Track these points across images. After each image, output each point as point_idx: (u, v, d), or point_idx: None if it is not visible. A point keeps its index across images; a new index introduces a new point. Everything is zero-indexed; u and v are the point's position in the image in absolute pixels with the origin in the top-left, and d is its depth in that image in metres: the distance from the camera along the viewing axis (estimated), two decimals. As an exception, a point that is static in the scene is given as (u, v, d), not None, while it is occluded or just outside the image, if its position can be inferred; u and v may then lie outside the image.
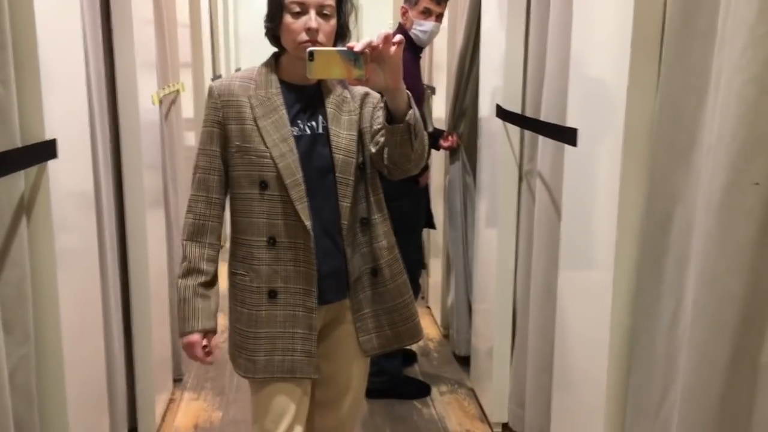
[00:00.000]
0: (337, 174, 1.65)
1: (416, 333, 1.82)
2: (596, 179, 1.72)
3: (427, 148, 1.65)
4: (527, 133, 2.54)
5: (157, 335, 2.81)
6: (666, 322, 1.52)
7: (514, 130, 2.59)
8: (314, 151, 1.66)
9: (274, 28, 1.64)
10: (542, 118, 2.27)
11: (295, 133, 1.64)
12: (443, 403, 3.13)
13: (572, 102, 1.87)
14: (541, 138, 2.33)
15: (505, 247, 2.68)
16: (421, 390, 3.21)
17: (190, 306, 1.67)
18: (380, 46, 1.43)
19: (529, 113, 2.46)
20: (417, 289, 3.35)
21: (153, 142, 2.78)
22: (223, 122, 1.65)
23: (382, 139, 1.62)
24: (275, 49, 1.70)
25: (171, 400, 3.12)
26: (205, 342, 1.69)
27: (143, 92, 2.57)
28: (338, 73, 1.44)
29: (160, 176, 2.93)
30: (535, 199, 2.43)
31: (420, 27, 2.97)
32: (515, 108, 2.55)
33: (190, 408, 3.08)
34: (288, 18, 1.59)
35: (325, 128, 1.66)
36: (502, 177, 2.63)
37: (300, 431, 1.73)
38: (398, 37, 1.44)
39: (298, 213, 1.62)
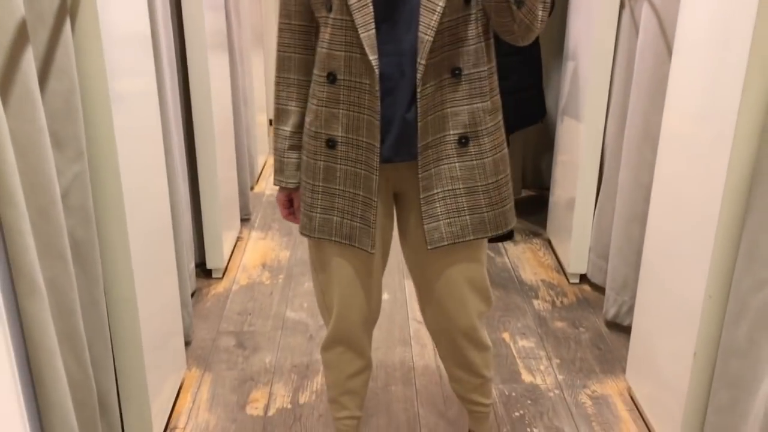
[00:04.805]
0: None
1: (507, 220, 1.45)
2: (725, 7, 1.44)
3: (540, 15, 1.26)
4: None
5: (224, 174, 2.73)
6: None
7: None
8: None
9: None
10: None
11: None
12: (517, 252, 3.01)
13: None
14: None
15: (597, 85, 2.41)
16: (504, 233, 3.08)
17: (278, 156, 1.48)
18: None
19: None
20: None
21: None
22: None
23: None
24: None
25: (239, 239, 3.10)
26: (293, 198, 1.53)
27: None
28: None
29: (223, 17, 2.78)
30: (638, 29, 2.14)
31: None
32: None
33: (258, 247, 3.06)
34: None
35: None
36: (598, 1, 2.32)
37: (361, 315, 1.52)
38: None
39: (362, 43, 1.29)
